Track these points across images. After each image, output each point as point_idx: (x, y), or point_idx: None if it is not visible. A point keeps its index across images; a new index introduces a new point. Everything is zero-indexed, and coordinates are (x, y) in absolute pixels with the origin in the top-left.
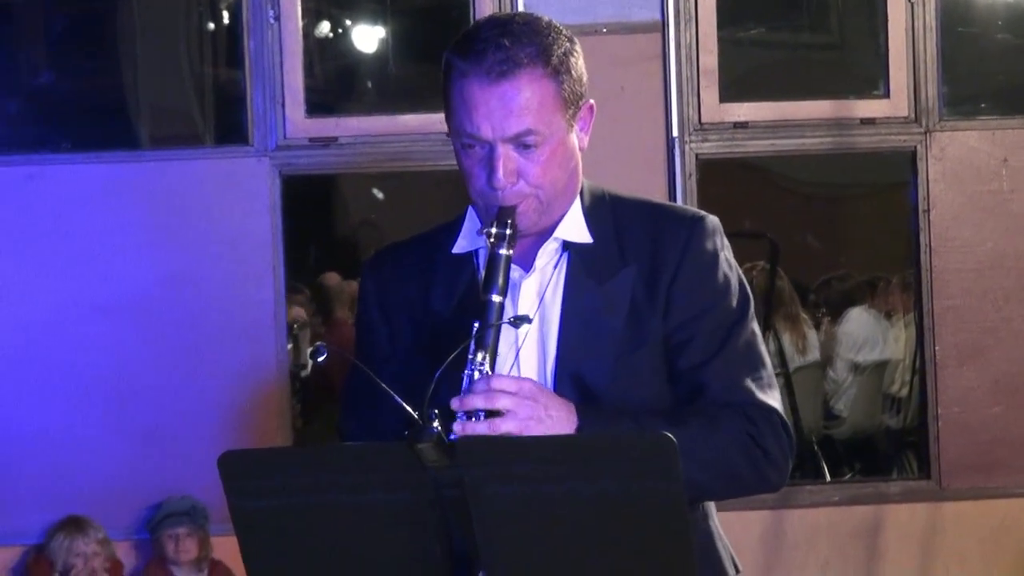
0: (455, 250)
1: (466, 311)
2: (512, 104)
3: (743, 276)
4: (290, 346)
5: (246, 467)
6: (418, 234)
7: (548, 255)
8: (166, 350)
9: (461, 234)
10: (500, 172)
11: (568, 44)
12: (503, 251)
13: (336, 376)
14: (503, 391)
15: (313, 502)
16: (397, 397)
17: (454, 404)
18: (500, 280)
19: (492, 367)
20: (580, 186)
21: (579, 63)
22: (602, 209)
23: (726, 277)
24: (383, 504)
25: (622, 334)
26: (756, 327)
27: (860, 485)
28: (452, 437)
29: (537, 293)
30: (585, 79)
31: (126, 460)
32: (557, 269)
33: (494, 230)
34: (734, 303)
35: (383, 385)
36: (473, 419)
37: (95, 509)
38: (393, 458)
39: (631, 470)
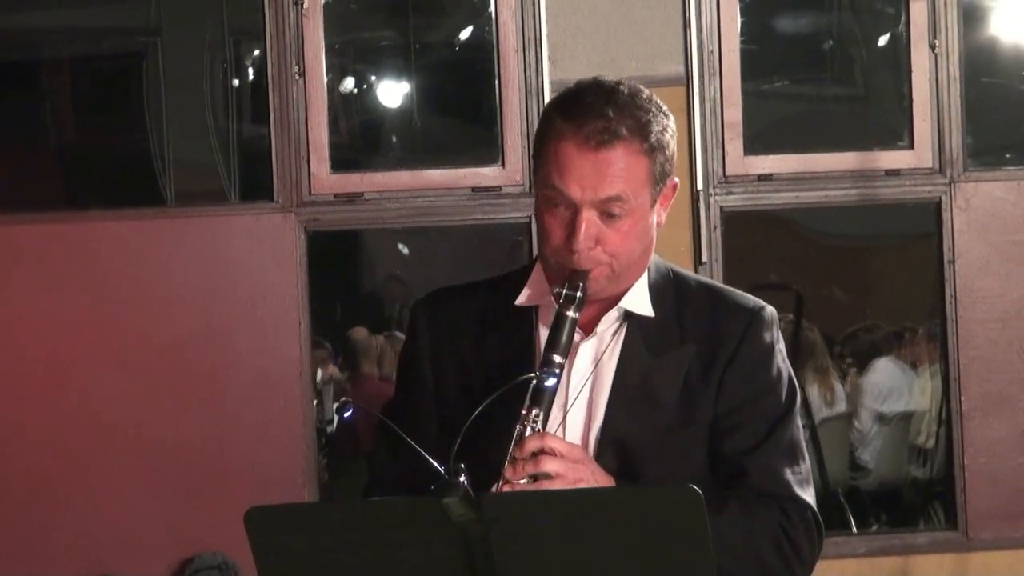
0: (518, 302)
1: (519, 364)
2: (605, 172)
3: (792, 372)
4: (315, 402)
5: (273, 523)
6: (475, 281)
7: (609, 322)
8: (192, 405)
9: (527, 286)
10: (581, 235)
11: (665, 121)
12: (570, 313)
13: (362, 431)
14: (554, 451)
15: (340, 557)
16: (422, 451)
17: (507, 473)
18: (563, 341)
19: (544, 425)
20: (650, 261)
21: (672, 142)
22: (666, 286)
23: (779, 370)
24: (411, 559)
25: (672, 409)
26: (800, 423)
27: (886, 536)
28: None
29: (593, 358)
30: (675, 158)
31: (152, 516)
32: (615, 336)
33: (564, 291)
34: (783, 397)
35: (409, 441)
36: (521, 481)
37: (123, 565)
38: (420, 513)
39: (657, 524)
